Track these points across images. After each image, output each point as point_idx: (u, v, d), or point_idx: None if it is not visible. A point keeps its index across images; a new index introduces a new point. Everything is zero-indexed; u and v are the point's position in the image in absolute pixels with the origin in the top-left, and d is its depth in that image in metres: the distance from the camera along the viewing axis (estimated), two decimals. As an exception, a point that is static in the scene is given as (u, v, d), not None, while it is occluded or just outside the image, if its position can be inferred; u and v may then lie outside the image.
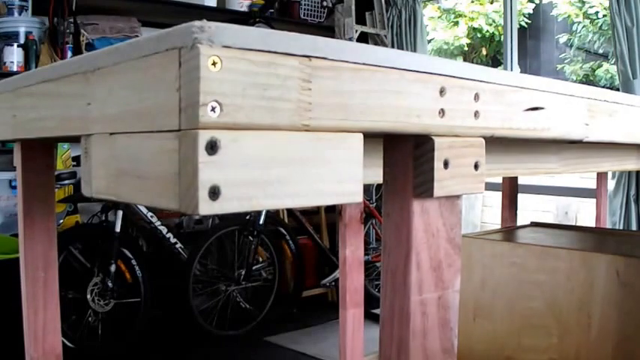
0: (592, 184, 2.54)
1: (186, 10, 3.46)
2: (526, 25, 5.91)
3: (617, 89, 3.04)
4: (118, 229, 2.95)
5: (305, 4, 4.12)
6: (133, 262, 3.00)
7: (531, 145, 0.81)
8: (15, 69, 3.00)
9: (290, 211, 3.75)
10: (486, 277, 1.50)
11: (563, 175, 3.52)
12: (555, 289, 1.37)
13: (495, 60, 6.16)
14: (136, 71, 0.44)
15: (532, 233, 1.71)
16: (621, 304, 1.27)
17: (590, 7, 5.75)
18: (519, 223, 1.99)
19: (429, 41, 5.26)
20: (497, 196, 2.55)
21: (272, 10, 3.97)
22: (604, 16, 5.57)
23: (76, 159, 3.21)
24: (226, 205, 0.38)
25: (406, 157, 0.52)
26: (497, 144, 0.73)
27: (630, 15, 2.93)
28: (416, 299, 0.52)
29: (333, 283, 3.83)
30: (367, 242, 4.12)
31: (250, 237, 3.38)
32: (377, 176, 0.57)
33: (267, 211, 3.39)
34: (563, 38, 6.00)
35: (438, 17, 6.17)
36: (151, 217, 3.22)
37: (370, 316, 2.68)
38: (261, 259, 3.59)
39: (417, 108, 0.50)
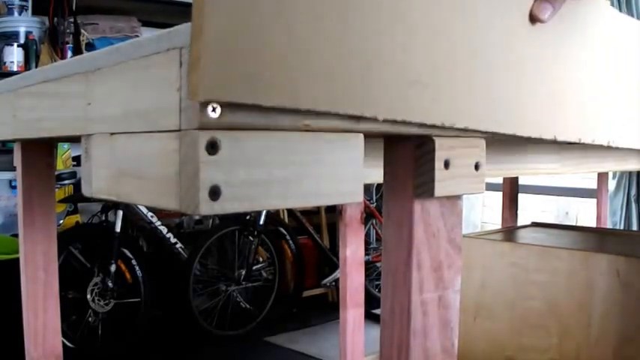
0: (592, 184, 2.54)
1: (186, 10, 3.45)
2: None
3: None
4: (118, 229, 2.95)
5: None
6: (133, 262, 3.00)
7: (532, 145, 0.81)
8: (15, 69, 3.00)
9: (290, 211, 3.75)
10: (487, 277, 1.50)
11: (563, 175, 3.52)
12: (556, 289, 1.37)
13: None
14: (137, 71, 0.44)
15: (533, 233, 1.72)
16: (622, 304, 1.27)
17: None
18: (520, 223, 1.99)
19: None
20: (497, 196, 2.55)
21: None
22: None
23: (76, 159, 3.21)
24: (227, 206, 0.38)
25: (407, 158, 0.52)
26: (497, 144, 0.73)
27: (631, 14, 2.93)
28: (416, 299, 0.52)
29: (334, 283, 3.83)
30: (367, 242, 4.12)
31: (250, 237, 3.38)
32: (377, 176, 0.57)
33: (268, 211, 3.39)
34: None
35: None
36: (151, 217, 3.22)
37: (370, 316, 2.68)
38: (261, 259, 3.59)
39: (418, 108, 0.50)
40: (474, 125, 0.51)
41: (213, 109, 0.37)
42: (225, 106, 0.37)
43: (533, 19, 0.55)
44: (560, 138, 0.59)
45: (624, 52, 0.69)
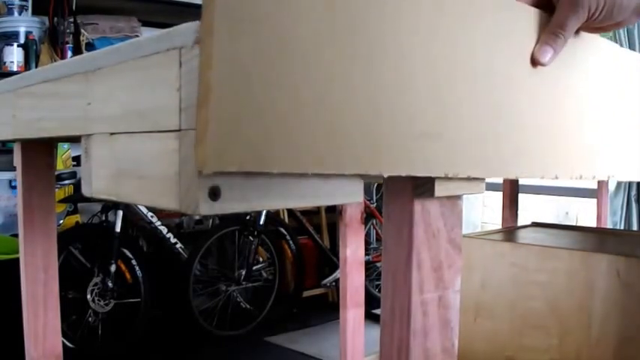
0: (593, 184, 2.54)
1: (186, 10, 3.46)
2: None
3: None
4: (118, 229, 2.95)
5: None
6: (133, 262, 3.00)
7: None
8: (15, 69, 3.00)
9: (290, 211, 3.75)
10: (487, 277, 1.50)
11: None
12: (556, 289, 1.37)
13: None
14: (137, 71, 0.44)
15: (533, 233, 1.71)
16: (622, 304, 1.27)
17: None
18: (520, 223, 1.98)
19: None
20: (497, 196, 2.54)
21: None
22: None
23: (76, 159, 3.21)
24: (227, 206, 0.38)
25: (407, 158, 0.52)
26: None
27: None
28: (417, 299, 0.52)
29: (334, 284, 3.83)
30: (368, 242, 4.12)
31: (250, 237, 3.38)
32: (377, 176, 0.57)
33: (268, 212, 3.39)
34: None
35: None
36: (151, 217, 3.22)
37: (371, 317, 2.68)
38: (261, 259, 3.59)
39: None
40: (478, 173, 0.51)
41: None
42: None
43: (535, 62, 0.54)
44: (561, 176, 0.59)
45: (623, 84, 0.69)
